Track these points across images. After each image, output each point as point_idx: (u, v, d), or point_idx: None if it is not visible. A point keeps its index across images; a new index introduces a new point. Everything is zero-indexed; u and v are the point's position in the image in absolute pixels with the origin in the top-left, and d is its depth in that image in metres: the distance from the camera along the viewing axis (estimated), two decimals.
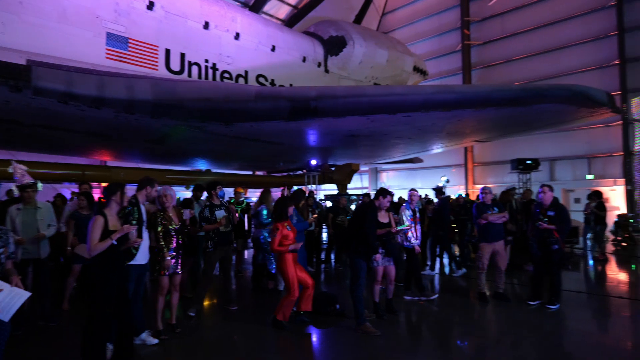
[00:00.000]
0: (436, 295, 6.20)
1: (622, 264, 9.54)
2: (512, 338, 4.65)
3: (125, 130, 8.76)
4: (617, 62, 17.41)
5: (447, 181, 19.40)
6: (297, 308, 4.84)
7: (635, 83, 16.91)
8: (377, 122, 9.00)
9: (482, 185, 6.46)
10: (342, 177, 14.95)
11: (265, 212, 6.47)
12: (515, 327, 5.00)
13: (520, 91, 8.71)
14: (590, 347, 4.26)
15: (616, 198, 17.24)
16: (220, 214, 5.27)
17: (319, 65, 13.04)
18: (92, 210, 5.50)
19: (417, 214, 6.21)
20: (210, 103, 8.06)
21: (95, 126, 8.34)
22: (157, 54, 8.90)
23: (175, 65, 9.34)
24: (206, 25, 9.79)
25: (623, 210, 16.07)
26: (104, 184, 9.47)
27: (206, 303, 5.86)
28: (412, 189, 6.24)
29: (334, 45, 13.30)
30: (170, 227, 4.34)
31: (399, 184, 25.03)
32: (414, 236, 6.01)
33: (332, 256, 9.84)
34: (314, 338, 4.56)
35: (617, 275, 8.32)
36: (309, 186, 13.68)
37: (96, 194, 7.45)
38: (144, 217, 4.12)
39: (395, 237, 5.51)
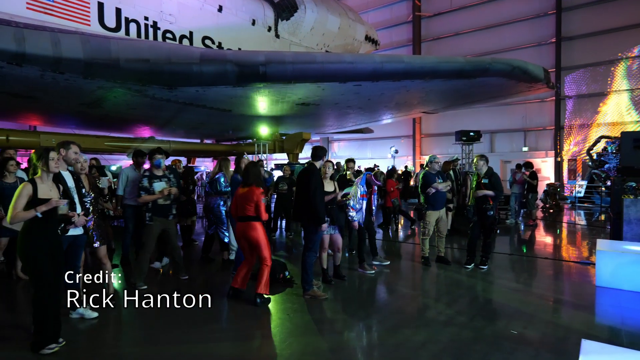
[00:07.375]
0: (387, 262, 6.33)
1: (549, 229, 10.46)
2: (449, 297, 4.97)
3: (54, 92, 7.98)
4: (553, 40, 18.44)
5: (396, 152, 19.95)
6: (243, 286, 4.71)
7: (569, 61, 18.08)
8: (328, 90, 8.92)
9: (430, 155, 6.65)
10: (293, 146, 14.83)
11: (222, 179, 6.23)
12: (452, 287, 5.35)
13: (465, 63, 8.97)
14: (516, 302, 4.65)
15: (547, 169, 18.72)
16: (159, 185, 4.99)
17: (269, 29, 12.56)
18: (18, 178, 5.19)
19: (375, 190, 6.06)
20: (149, 64, 7.50)
21: (19, 86, 7.52)
22: (88, 7, 8.07)
23: (110, 21, 8.54)
24: None
25: (552, 180, 17.52)
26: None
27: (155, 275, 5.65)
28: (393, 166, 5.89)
29: (284, 9, 12.82)
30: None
31: (350, 154, 25.41)
32: (358, 210, 5.56)
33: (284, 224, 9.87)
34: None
35: (544, 238, 9.11)
36: (260, 155, 13.45)
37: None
38: (70, 184, 3.81)
39: (346, 206, 5.48)
